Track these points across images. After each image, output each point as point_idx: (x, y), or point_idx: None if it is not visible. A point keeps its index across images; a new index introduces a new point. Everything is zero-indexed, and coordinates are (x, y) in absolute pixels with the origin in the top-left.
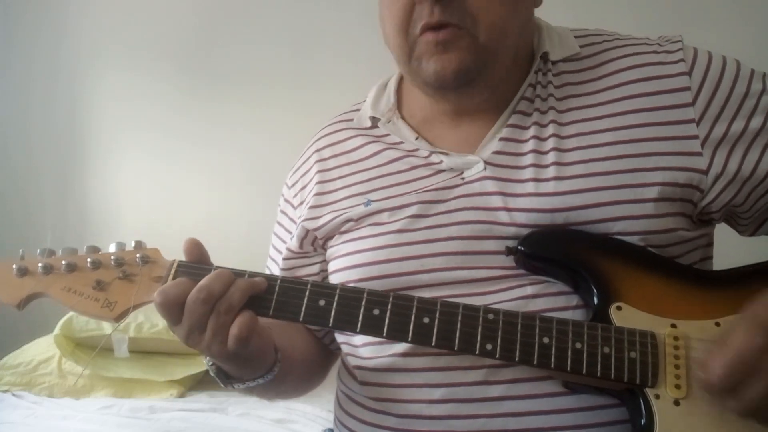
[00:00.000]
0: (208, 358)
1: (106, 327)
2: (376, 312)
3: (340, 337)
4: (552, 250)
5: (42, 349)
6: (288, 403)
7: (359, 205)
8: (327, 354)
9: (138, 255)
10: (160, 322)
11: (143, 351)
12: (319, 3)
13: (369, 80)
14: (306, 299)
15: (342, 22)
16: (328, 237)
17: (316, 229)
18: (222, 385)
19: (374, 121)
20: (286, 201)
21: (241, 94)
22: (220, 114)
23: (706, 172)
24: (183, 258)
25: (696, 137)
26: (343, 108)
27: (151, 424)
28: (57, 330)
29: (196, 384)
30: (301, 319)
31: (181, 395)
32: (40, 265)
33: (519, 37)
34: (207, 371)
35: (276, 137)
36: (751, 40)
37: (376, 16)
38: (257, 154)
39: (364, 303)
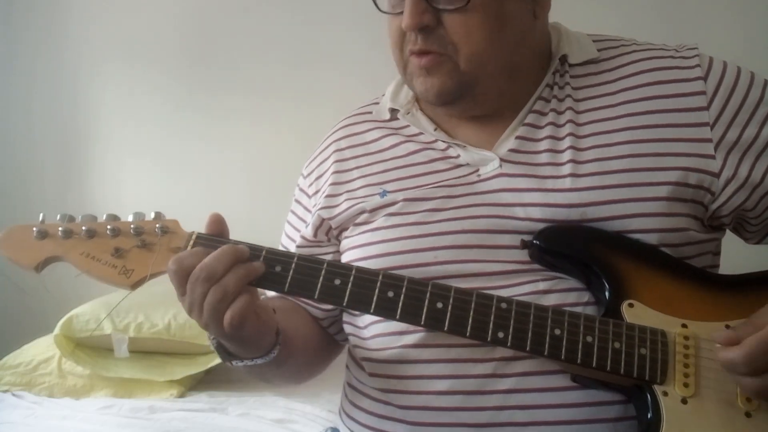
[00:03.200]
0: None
1: (107, 327)
2: (390, 294)
3: (348, 328)
4: (567, 245)
5: (42, 349)
6: (288, 403)
7: (375, 195)
8: (331, 344)
9: (157, 225)
10: (160, 322)
11: (143, 351)
12: (320, 6)
13: (372, 68)
14: (322, 278)
15: (342, 24)
16: (343, 228)
17: (331, 218)
18: (222, 360)
19: (393, 113)
20: (301, 190)
21: (242, 93)
22: (221, 113)
23: (717, 175)
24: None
25: (710, 140)
26: (346, 101)
27: (151, 424)
28: (57, 330)
29: (196, 384)
30: (316, 297)
31: (181, 395)
32: (60, 229)
33: (512, 55)
34: (207, 371)
35: (277, 135)
36: (750, 42)
37: (374, 21)
38: (258, 152)
39: (378, 285)
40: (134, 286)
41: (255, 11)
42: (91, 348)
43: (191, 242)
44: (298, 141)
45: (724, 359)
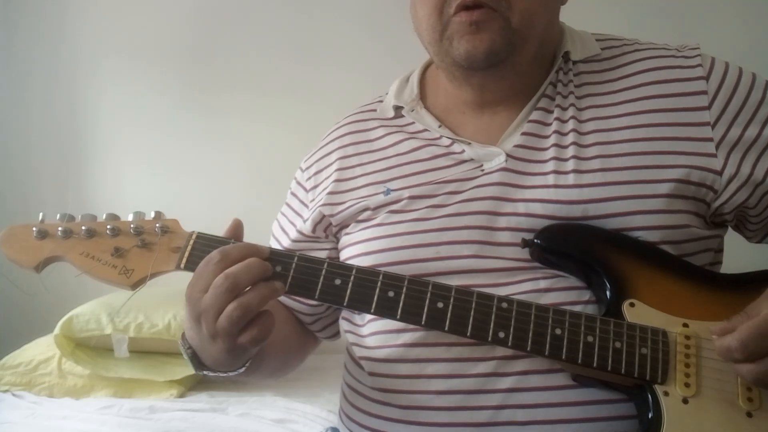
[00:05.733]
0: (183, 341)
1: (107, 327)
2: (390, 294)
3: (345, 325)
4: (568, 244)
5: (42, 349)
6: (288, 403)
7: (378, 193)
8: (309, 340)
9: (157, 224)
10: (160, 322)
11: (143, 351)
12: (321, 2)
13: (373, 65)
14: (322, 277)
15: (344, 21)
16: (344, 225)
17: (332, 216)
18: (194, 369)
19: (397, 110)
20: (298, 183)
21: (242, 90)
22: (221, 111)
23: (720, 173)
24: (203, 230)
25: (711, 139)
26: (347, 99)
27: (151, 424)
28: (57, 330)
29: (196, 384)
30: (316, 297)
31: (181, 395)
32: (60, 228)
33: (546, 28)
34: None
35: (277, 132)
36: (753, 43)
37: (376, 18)
38: (258, 149)
39: (379, 284)
40: (134, 286)
41: (255, 8)
42: (91, 348)
43: (191, 242)
44: (299, 138)
45: (720, 347)
